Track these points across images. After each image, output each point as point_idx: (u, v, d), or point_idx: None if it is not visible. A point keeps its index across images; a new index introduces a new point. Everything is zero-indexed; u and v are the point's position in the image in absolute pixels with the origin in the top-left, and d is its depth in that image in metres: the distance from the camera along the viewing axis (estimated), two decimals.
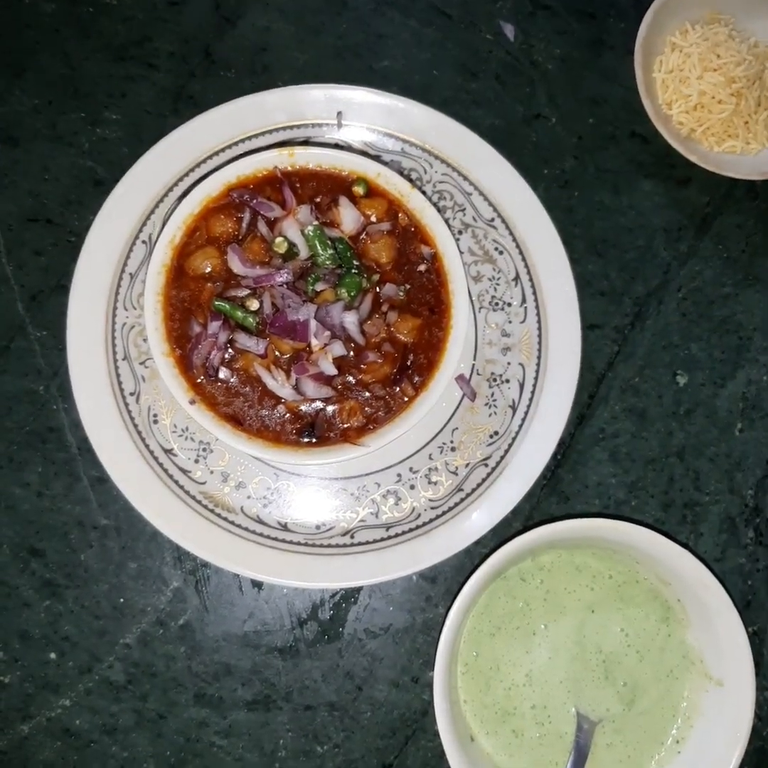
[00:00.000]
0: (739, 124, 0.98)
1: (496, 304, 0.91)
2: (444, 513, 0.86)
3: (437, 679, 0.77)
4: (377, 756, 0.86)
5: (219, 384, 0.81)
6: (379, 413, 0.82)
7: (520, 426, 0.88)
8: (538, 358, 0.89)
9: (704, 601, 0.81)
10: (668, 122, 0.98)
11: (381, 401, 0.82)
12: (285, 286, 0.80)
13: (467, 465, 0.88)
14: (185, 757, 0.84)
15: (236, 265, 0.80)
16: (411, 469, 0.87)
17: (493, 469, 0.87)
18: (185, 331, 0.81)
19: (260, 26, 0.98)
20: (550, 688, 0.84)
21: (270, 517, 0.85)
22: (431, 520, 0.86)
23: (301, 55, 0.98)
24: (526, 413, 0.88)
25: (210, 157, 0.89)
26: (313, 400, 0.81)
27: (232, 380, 0.81)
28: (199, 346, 0.79)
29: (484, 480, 0.87)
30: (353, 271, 0.82)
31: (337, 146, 0.90)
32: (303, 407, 0.81)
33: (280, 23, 0.99)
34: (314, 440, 0.80)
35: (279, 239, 0.81)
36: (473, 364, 0.90)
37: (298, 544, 0.84)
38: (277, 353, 0.80)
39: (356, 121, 0.91)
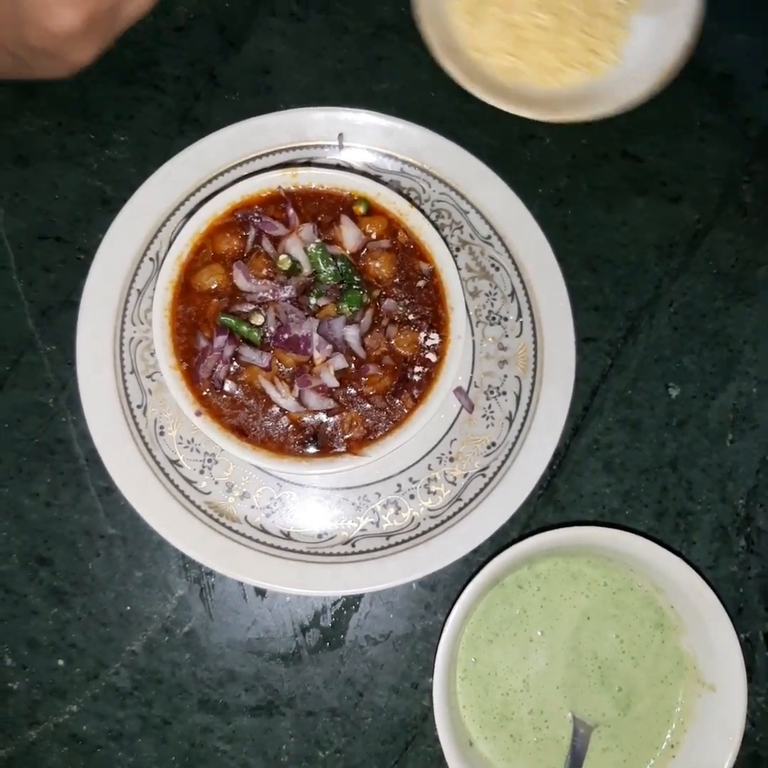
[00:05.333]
0: (573, 45, 0.82)
1: (493, 318, 0.93)
2: (443, 522, 0.88)
3: (436, 685, 0.78)
4: (378, 761, 0.87)
5: (224, 396, 0.83)
6: (380, 424, 0.84)
7: (517, 437, 0.90)
8: (534, 370, 0.92)
9: (697, 608, 0.83)
10: (484, 78, 0.82)
11: (381, 412, 0.84)
12: (288, 301, 0.83)
13: (465, 475, 0.89)
14: (190, 763, 0.86)
15: (241, 282, 0.83)
16: (411, 479, 0.89)
17: (491, 479, 0.89)
18: (192, 345, 0.83)
19: (263, 50, 1.01)
20: (547, 694, 0.85)
21: (273, 526, 0.87)
22: (430, 529, 0.88)
23: (303, 77, 1.01)
24: (522, 424, 0.90)
25: (215, 177, 0.92)
26: (316, 412, 0.83)
27: (237, 392, 0.83)
28: (206, 360, 0.81)
29: (482, 490, 0.89)
30: (354, 286, 0.84)
31: (338, 167, 0.92)
32: (306, 418, 0.83)
33: (283, 47, 1.01)
34: (317, 451, 0.83)
35: (283, 256, 0.83)
36: (471, 377, 0.92)
37: (301, 552, 0.86)
38: (280, 366, 0.82)
39: (357, 142, 0.94)
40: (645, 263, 1.00)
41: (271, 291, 0.83)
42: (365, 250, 0.86)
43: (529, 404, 0.91)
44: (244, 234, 0.85)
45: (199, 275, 0.84)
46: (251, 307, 0.83)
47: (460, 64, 0.84)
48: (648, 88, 0.86)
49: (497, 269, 0.94)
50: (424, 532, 0.88)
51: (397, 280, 0.87)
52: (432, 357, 0.85)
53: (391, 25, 1.03)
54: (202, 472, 0.87)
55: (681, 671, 0.86)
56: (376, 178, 0.91)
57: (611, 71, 0.81)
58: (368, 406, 0.84)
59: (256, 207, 0.86)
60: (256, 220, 0.84)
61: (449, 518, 0.88)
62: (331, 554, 0.86)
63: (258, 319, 0.82)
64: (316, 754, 0.87)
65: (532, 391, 0.91)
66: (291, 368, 0.83)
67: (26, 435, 0.89)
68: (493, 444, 0.90)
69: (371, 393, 0.83)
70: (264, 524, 0.87)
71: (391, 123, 0.93)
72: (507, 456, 0.90)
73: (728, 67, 1.07)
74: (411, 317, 0.86)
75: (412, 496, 0.89)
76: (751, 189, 1.03)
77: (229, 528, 0.86)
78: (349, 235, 0.85)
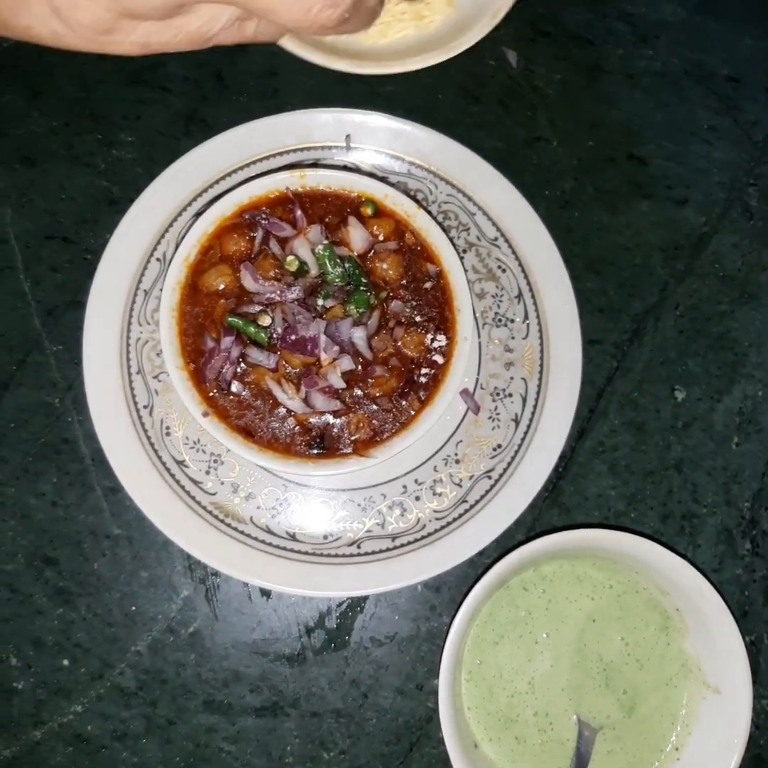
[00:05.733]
0: None
1: (499, 320, 0.94)
2: (448, 524, 0.88)
3: (442, 687, 0.78)
4: (382, 762, 0.87)
5: (231, 397, 0.83)
6: (386, 426, 0.84)
7: (523, 439, 0.90)
8: (540, 373, 0.92)
9: (702, 610, 0.83)
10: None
11: (388, 414, 0.84)
12: (296, 302, 0.83)
13: (471, 477, 0.89)
14: (194, 763, 0.86)
15: (249, 282, 0.83)
16: (416, 480, 0.89)
17: (497, 481, 0.89)
18: (199, 345, 0.83)
19: (270, 51, 1.01)
20: (552, 696, 0.85)
21: (279, 527, 0.87)
22: (436, 531, 0.88)
23: (309, 79, 1.01)
24: (528, 427, 0.91)
25: (223, 178, 0.92)
26: (322, 413, 0.83)
27: (243, 393, 0.83)
28: (213, 361, 0.81)
29: (487, 492, 0.89)
30: (361, 288, 0.84)
31: (345, 168, 0.93)
32: (312, 419, 0.83)
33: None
34: (323, 452, 0.83)
35: (290, 257, 0.83)
36: (477, 379, 0.92)
37: (306, 553, 0.86)
38: (287, 367, 0.83)
39: (364, 143, 0.94)
40: (650, 266, 1.00)
41: (278, 292, 0.83)
42: (372, 251, 0.86)
43: (535, 406, 0.91)
44: (252, 235, 0.85)
45: (206, 276, 0.84)
46: (258, 308, 0.83)
47: None
48: (479, 34, 0.80)
49: (504, 271, 0.94)
50: (429, 534, 0.88)
51: (404, 281, 0.87)
52: (438, 359, 0.85)
53: None
54: (207, 472, 0.87)
55: (686, 674, 0.86)
56: (384, 180, 0.91)
57: (443, 21, 0.74)
58: (375, 407, 0.84)
59: (264, 208, 0.86)
60: (263, 221, 0.85)
61: (455, 520, 0.88)
62: (336, 555, 0.86)
63: (265, 321, 0.82)
64: (321, 755, 0.87)
65: (538, 394, 0.91)
66: (298, 369, 0.83)
67: (32, 435, 0.89)
68: (499, 446, 0.90)
69: (378, 394, 0.84)
70: (269, 525, 0.87)
71: (399, 125, 0.94)
72: (513, 458, 0.90)
73: (734, 71, 1.08)
74: (418, 319, 0.86)
75: (417, 498, 0.89)
76: (756, 192, 1.04)
77: (235, 529, 0.86)
78: (357, 237, 0.85)
